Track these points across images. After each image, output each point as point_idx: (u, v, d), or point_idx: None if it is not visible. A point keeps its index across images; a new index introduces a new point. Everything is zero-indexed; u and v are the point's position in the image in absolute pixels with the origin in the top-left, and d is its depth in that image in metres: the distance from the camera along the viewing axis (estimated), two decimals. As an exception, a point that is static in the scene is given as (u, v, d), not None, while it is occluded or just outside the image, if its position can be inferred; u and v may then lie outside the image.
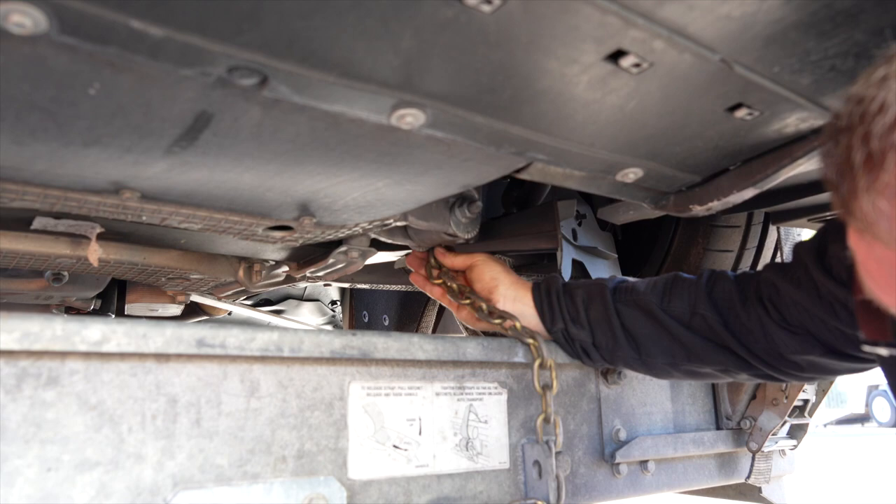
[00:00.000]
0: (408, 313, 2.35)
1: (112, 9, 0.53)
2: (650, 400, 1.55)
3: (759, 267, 1.59)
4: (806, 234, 1.90)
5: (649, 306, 1.20)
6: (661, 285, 1.23)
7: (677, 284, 1.22)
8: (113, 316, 1.91)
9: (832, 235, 1.00)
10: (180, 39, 0.57)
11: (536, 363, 1.19)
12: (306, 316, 2.74)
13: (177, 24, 0.55)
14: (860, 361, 1.07)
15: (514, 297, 1.31)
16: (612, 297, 1.24)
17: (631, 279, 1.28)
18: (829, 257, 1.00)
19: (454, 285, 1.38)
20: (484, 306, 1.30)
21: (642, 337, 1.22)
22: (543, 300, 1.29)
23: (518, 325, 1.24)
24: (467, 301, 1.35)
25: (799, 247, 1.09)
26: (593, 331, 1.25)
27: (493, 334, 1.37)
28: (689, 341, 1.18)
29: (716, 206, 1.10)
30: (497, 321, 1.27)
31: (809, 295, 1.04)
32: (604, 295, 1.24)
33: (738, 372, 1.19)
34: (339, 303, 2.75)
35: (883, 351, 0.90)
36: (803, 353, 1.10)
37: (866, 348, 0.93)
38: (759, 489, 1.87)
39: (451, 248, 1.42)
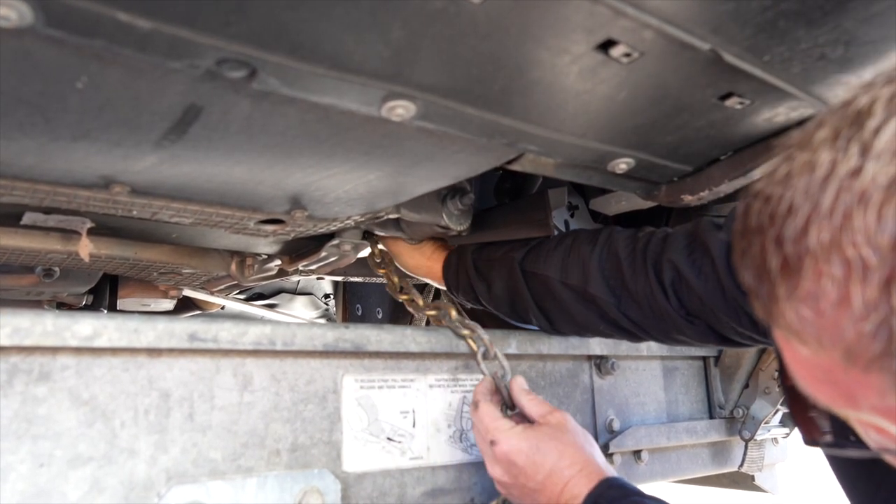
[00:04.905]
0: (401, 306, 2.34)
1: (99, 1, 0.52)
2: (643, 390, 1.55)
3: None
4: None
5: (549, 282, 1.21)
6: (562, 252, 1.22)
7: (574, 252, 1.21)
8: (105, 311, 1.91)
9: None
10: (168, 32, 0.57)
11: (479, 354, 1.17)
12: (300, 310, 2.73)
13: (164, 16, 0.55)
14: (753, 343, 1.08)
15: (427, 256, 1.38)
16: (520, 269, 1.25)
17: (546, 240, 1.28)
18: None
19: (394, 279, 1.40)
20: (420, 302, 1.32)
21: (550, 310, 1.24)
22: (452, 267, 1.34)
23: (453, 313, 1.21)
24: (405, 296, 1.36)
25: (707, 232, 1.05)
26: (511, 302, 1.27)
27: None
28: (585, 318, 1.20)
29: (707, 195, 1.10)
30: (432, 312, 1.28)
31: (713, 292, 1.02)
32: (513, 269, 1.26)
33: (638, 341, 1.25)
34: (332, 296, 2.75)
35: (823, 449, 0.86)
36: (698, 340, 1.11)
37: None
38: (752, 477, 1.89)
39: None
